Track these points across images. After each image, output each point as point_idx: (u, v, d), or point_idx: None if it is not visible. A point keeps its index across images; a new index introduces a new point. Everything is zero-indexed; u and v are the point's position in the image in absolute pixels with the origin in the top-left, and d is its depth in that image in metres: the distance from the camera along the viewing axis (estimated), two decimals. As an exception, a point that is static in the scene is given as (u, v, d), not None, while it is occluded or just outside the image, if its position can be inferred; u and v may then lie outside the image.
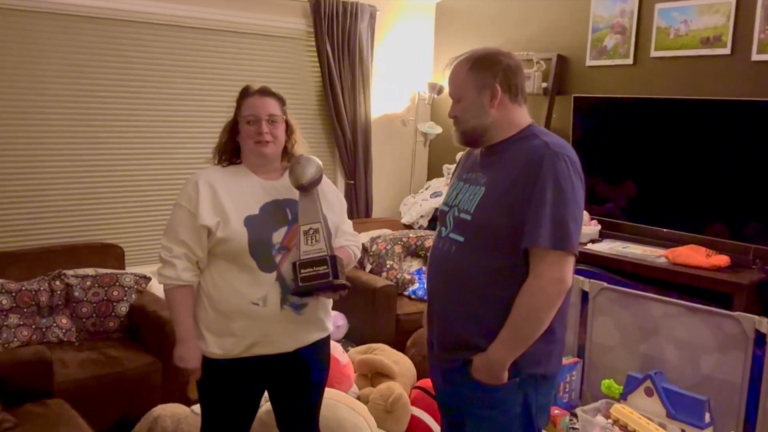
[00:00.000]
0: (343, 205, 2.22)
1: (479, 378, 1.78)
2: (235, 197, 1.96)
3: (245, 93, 2.04)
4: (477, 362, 1.78)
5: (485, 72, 1.79)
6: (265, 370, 2.02)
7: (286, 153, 2.09)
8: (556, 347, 1.84)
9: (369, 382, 3.10)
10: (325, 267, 1.90)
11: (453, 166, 4.62)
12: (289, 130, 2.08)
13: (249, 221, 1.92)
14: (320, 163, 2.01)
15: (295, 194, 2.02)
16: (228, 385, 2.01)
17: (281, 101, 2.06)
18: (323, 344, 2.12)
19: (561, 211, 1.67)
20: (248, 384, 2.04)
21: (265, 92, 2.03)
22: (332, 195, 2.14)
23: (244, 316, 1.92)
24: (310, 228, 1.93)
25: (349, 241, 2.15)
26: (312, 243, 1.92)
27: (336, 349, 3.01)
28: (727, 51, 3.35)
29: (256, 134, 1.98)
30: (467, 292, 1.79)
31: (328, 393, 2.61)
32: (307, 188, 1.96)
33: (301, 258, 1.90)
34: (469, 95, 1.81)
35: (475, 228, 1.77)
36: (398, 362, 3.17)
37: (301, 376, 2.08)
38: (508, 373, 1.75)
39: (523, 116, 1.84)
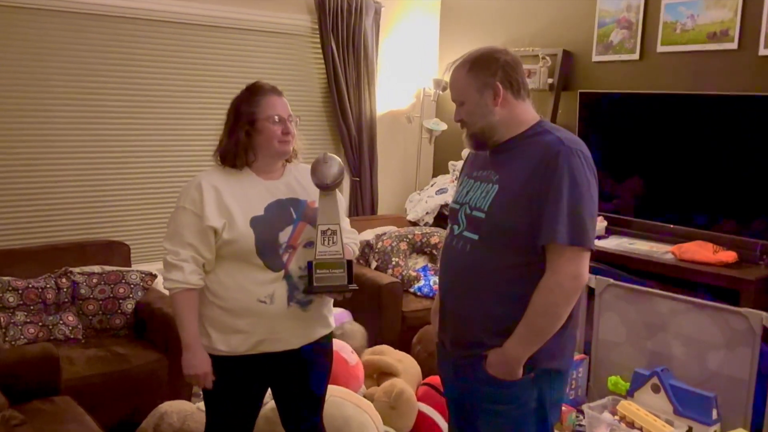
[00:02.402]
0: (343, 202, 2.22)
1: (494, 373, 1.78)
2: (240, 198, 1.95)
3: (260, 91, 2.00)
4: (492, 358, 1.78)
5: (484, 72, 1.78)
6: (270, 367, 2.02)
7: None
8: (569, 342, 1.84)
9: (375, 383, 3.10)
10: (342, 271, 1.92)
11: (459, 163, 4.62)
12: None
13: (255, 222, 1.92)
14: (341, 163, 1.99)
15: (297, 193, 2.03)
16: (232, 383, 2.01)
17: None
18: (327, 340, 2.12)
19: (577, 207, 1.67)
20: (253, 381, 2.04)
21: (280, 92, 2.02)
22: None
23: (251, 314, 1.92)
24: (329, 229, 1.93)
25: (349, 238, 2.15)
26: (329, 244, 1.92)
27: (344, 349, 3.01)
28: (734, 46, 3.32)
29: (283, 134, 1.96)
30: (483, 290, 1.78)
31: (335, 391, 2.62)
32: (330, 188, 1.95)
33: (317, 258, 1.91)
34: (471, 97, 1.80)
35: (490, 225, 1.77)
36: (402, 360, 3.17)
37: (305, 372, 2.08)
38: (523, 368, 1.75)
39: (529, 111, 1.84)
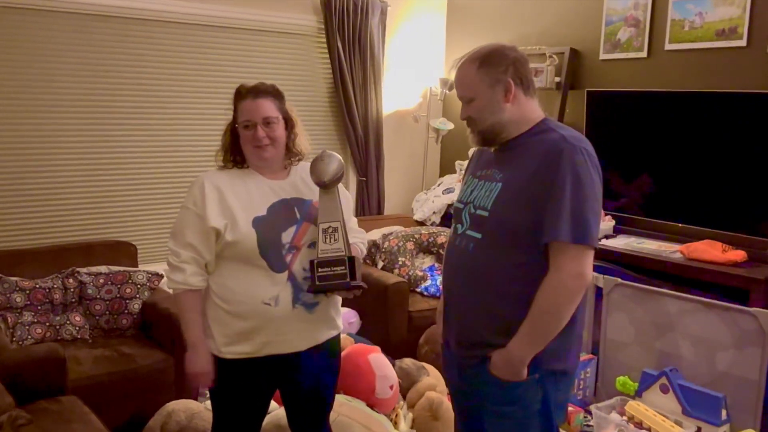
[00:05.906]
0: (350, 202, 2.20)
1: (498, 374, 1.77)
2: (242, 199, 1.94)
3: (238, 95, 1.99)
4: (496, 358, 1.77)
5: (496, 68, 1.77)
6: (276, 369, 2.01)
7: (288, 149, 2.05)
8: (575, 343, 1.83)
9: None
10: (343, 268, 1.90)
11: (465, 163, 4.61)
12: (288, 126, 2.03)
13: (257, 222, 1.91)
14: (342, 159, 1.97)
15: (302, 193, 2.02)
16: (238, 384, 2.01)
17: (277, 97, 2.00)
18: (335, 342, 2.11)
19: (580, 204, 1.66)
20: (258, 383, 2.03)
21: (258, 93, 1.97)
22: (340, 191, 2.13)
23: (256, 316, 1.92)
24: (330, 226, 1.92)
25: (356, 238, 2.14)
26: (331, 242, 1.91)
27: (384, 380, 2.88)
28: (743, 43, 3.29)
29: (254, 139, 1.95)
30: (486, 289, 1.78)
31: (342, 408, 2.57)
32: (329, 186, 1.94)
33: (319, 256, 1.90)
34: (482, 94, 1.78)
35: (493, 224, 1.76)
36: (429, 373, 3.18)
37: (311, 374, 2.06)
38: (527, 369, 1.74)
39: (536, 109, 1.83)
